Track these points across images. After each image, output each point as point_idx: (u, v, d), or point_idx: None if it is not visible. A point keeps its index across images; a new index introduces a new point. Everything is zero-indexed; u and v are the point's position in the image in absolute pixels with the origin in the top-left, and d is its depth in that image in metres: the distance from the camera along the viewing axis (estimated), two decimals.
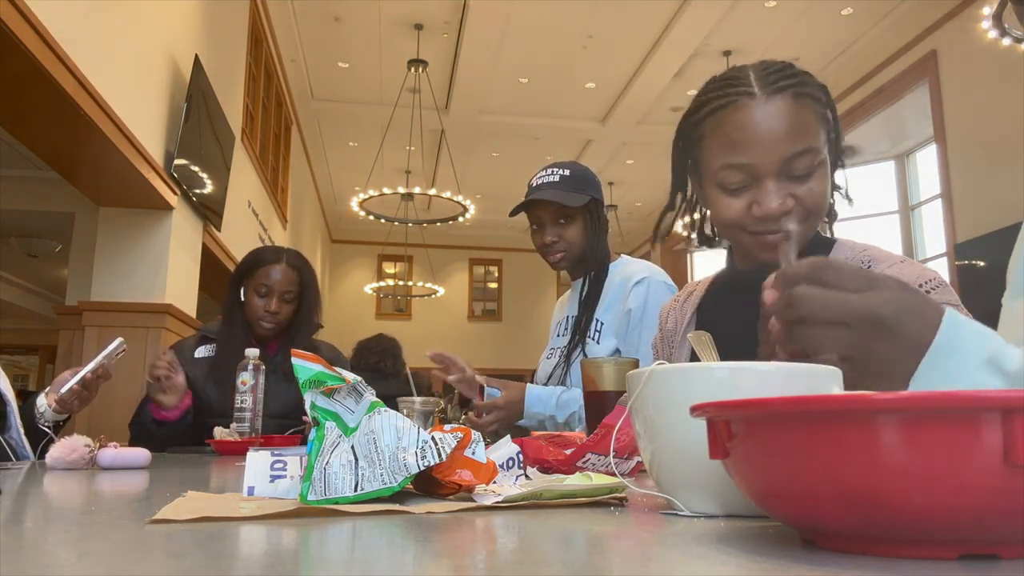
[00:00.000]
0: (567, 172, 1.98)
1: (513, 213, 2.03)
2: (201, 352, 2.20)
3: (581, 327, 1.95)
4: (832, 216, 1.22)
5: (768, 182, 1.06)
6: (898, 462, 0.37)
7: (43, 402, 1.73)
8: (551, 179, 1.97)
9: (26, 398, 1.85)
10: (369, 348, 4.19)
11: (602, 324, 1.94)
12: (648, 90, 8.06)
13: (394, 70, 7.64)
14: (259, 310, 2.16)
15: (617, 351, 1.91)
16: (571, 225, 1.96)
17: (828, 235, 1.24)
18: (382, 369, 4.07)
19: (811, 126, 1.07)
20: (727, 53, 7.29)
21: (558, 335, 2.08)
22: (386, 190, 8.12)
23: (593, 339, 1.93)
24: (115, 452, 1.18)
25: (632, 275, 1.94)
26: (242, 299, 2.20)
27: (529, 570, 0.45)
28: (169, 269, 4.32)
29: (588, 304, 1.96)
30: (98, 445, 1.18)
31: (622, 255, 2.09)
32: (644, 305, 1.89)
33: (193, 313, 4.78)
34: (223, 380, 2.11)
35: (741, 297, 1.20)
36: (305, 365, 0.73)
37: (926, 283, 1.04)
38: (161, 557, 0.48)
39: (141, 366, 3.59)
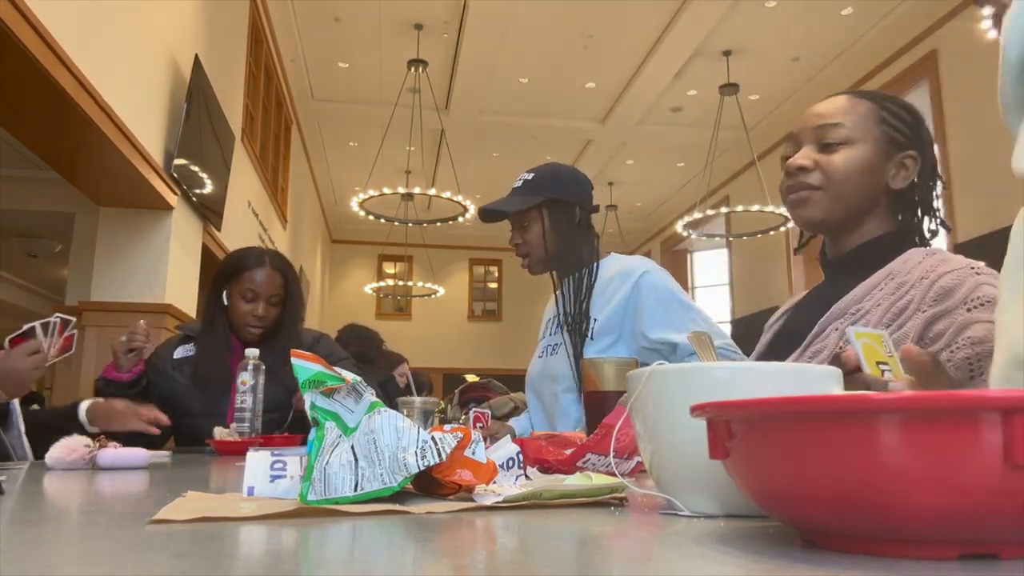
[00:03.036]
0: (530, 176, 2.03)
1: (483, 218, 2.07)
2: (180, 353, 2.19)
3: (576, 327, 1.95)
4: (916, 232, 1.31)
5: (804, 147, 1.28)
6: (898, 462, 0.37)
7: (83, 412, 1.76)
8: (516, 185, 2.03)
9: (28, 398, 1.85)
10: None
11: (595, 321, 1.94)
12: (648, 90, 8.06)
13: (394, 70, 7.64)
14: (246, 315, 2.14)
15: (617, 343, 1.91)
16: (531, 228, 1.99)
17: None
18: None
19: (851, 112, 1.27)
20: (727, 53, 7.29)
21: (550, 333, 2.08)
22: (386, 190, 8.12)
23: (588, 336, 1.93)
24: (115, 452, 1.18)
25: (632, 270, 1.94)
26: (224, 303, 2.18)
27: (529, 570, 0.45)
28: (169, 269, 4.32)
29: (581, 303, 1.96)
30: (98, 445, 1.18)
31: (612, 253, 2.10)
32: (668, 288, 1.90)
33: (193, 313, 4.78)
34: (202, 383, 2.11)
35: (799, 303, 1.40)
36: (305, 365, 0.73)
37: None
38: (161, 557, 0.48)
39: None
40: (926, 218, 1.31)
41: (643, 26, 6.88)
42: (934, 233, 1.31)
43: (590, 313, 1.95)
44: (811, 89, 7.64)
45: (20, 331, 1.76)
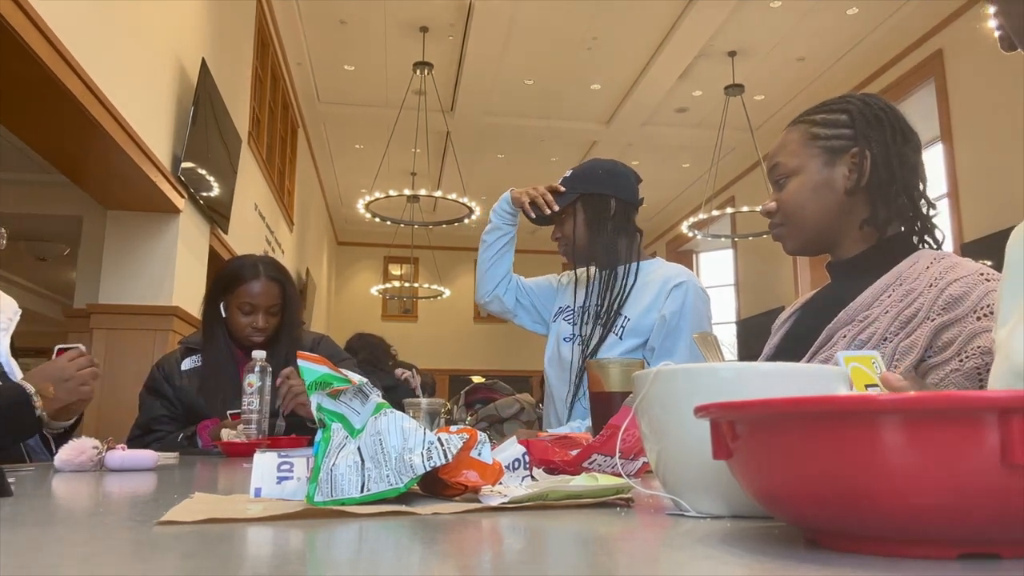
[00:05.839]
0: (569, 173, 2.08)
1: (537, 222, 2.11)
2: (187, 364, 2.21)
3: (604, 321, 1.95)
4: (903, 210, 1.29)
5: (772, 192, 1.38)
6: (898, 462, 0.38)
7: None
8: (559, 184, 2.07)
9: None
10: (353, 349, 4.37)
11: (628, 320, 1.94)
12: (653, 91, 8.05)
13: (399, 73, 7.65)
14: (246, 328, 2.14)
15: (643, 348, 1.91)
16: (567, 222, 2.04)
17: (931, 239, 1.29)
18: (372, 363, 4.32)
19: (785, 145, 1.33)
20: (732, 54, 7.28)
21: (572, 323, 2.06)
22: (392, 192, 8.12)
23: (616, 334, 1.93)
24: (123, 454, 1.19)
25: (671, 277, 1.95)
26: (222, 314, 2.18)
27: (536, 571, 0.46)
28: (176, 272, 4.33)
29: (613, 299, 1.96)
30: (106, 447, 1.19)
31: (657, 256, 2.12)
32: (681, 310, 1.90)
33: (200, 315, 4.79)
34: (211, 392, 2.13)
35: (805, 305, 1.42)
36: (311, 367, 0.73)
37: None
38: (169, 558, 0.49)
39: (148, 369, 3.59)
40: (916, 214, 1.29)
41: (648, 27, 6.88)
42: (924, 227, 1.29)
43: (623, 312, 1.95)
44: (816, 89, 7.61)
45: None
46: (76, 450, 1.16)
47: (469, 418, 2.46)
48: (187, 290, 4.49)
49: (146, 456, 1.21)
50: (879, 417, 0.38)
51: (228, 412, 2.07)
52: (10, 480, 0.81)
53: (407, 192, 8.35)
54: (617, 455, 0.85)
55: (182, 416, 2.15)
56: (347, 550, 0.54)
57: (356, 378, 0.75)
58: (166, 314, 4.22)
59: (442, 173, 10.30)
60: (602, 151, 9.48)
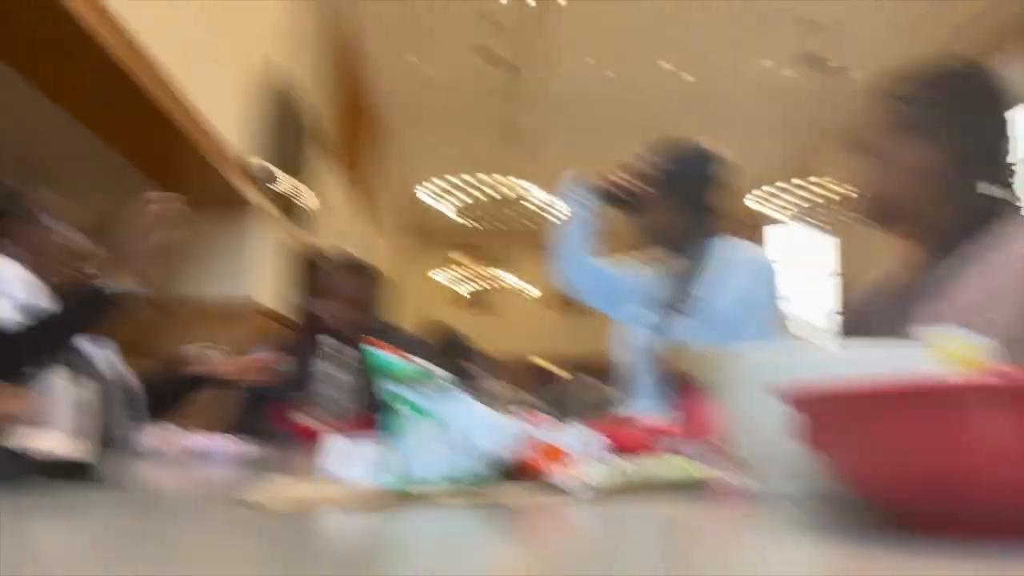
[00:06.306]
0: (654, 157, 2.05)
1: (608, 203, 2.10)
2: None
3: (682, 307, 1.93)
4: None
5: None
6: (991, 444, 0.35)
7: None
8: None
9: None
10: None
11: (704, 304, 1.91)
12: (740, 69, 7.86)
13: (474, 65, 7.66)
14: (334, 320, 2.23)
15: (719, 331, 1.88)
16: (650, 206, 2.00)
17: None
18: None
19: (869, 125, 1.30)
20: (814, 24, 7.04)
21: (650, 308, 2.04)
22: (465, 177, 8.18)
23: (694, 319, 1.91)
24: (206, 441, 1.22)
25: (744, 257, 1.94)
26: (311, 308, 2.28)
27: (619, 557, 0.45)
28: (255, 270, 4.49)
29: (693, 284, 1.94)
30: (190, 434, 1.23)
31: (732, 237, 2.08)
32: (755, 290, 1.88)
33: (287, 312, 4.92)
34: (288, 379, 2.19)
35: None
36: (383, 355, 0.74)
37: None
38: (251, 541, 0.50)
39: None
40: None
41: (728, 3, 6.71)
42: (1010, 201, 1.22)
43: (700, 296, 1.92)
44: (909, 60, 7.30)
45: None
46: (160, 437, 1.20)
47: (540, 404, 2.46)
48: (264, 287, 4.64)
49: (226, 444, 1.24)
50: (971, 400, 0.35)
51: (303, 397, 2.12)
52: (97, 464, 0.83)
53: (478, 181, 8.39)
54: (695, 441, 0.84)
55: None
56: (424, 535, 0.54)
57: (428, 366, 0.75)
58: (241, 310, 4.37)
59: (514, 163, 10.32)
60: (679, 133, 9.32)
